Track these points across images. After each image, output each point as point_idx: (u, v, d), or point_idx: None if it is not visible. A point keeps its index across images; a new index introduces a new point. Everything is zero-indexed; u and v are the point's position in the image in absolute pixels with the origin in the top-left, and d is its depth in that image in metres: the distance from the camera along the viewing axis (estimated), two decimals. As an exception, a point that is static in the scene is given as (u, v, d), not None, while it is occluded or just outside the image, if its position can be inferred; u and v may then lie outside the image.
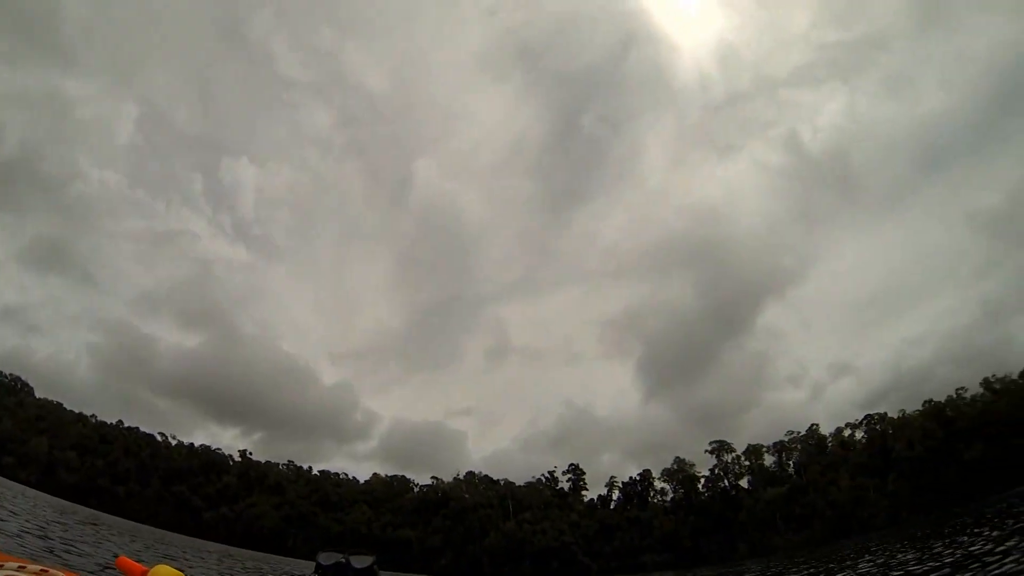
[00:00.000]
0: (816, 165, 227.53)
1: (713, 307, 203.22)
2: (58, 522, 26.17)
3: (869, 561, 28.28)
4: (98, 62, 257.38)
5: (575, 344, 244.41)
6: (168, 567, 2.71)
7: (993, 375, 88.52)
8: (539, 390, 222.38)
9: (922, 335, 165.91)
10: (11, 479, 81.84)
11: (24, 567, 2.62)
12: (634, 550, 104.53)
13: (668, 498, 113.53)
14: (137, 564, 2.76)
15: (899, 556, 24.01)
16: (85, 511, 64.00)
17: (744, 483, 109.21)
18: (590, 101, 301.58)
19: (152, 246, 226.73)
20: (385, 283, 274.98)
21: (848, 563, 30.45)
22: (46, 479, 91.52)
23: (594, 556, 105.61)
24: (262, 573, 28.28)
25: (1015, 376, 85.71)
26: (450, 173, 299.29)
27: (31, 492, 66.72)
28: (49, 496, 73.42)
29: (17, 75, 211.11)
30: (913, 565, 18.54)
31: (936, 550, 23.06)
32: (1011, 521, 27.00)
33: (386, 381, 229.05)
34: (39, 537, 16.66)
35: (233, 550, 76.27)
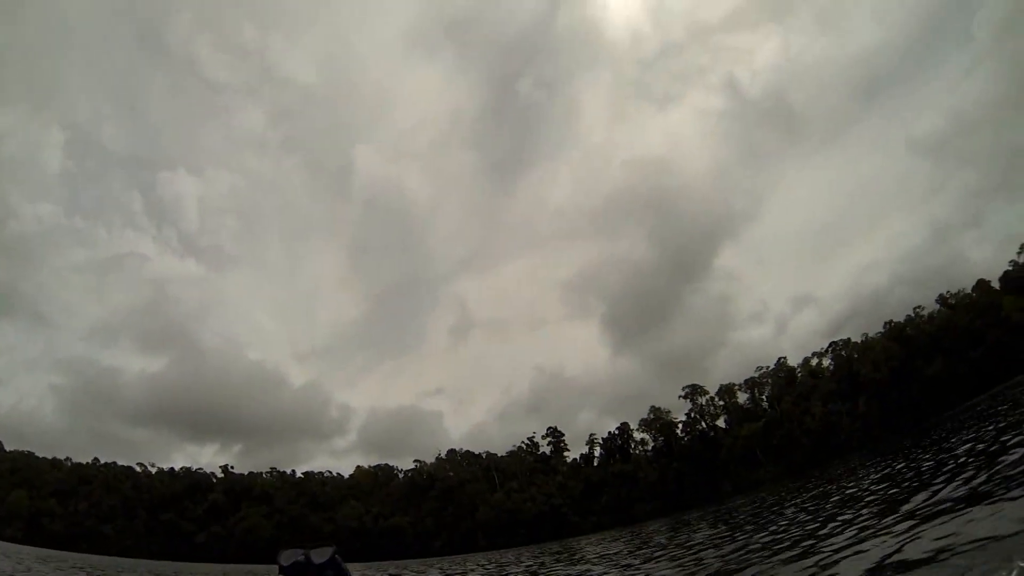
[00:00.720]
0: (756, 106, 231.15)
1: (669, 255, 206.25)
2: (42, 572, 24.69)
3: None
4: (13, 92, 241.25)
5: (538, 310, 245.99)
6: None
7: (947, 291, 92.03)
8: (508, 360, 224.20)
9: (876, 260, 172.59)
10: (-6, 538, 78.45)
11: None
12: (623, 503, 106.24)
13: (649, 448, 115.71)
14: None
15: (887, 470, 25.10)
16: (74, 557, 61.45)
17: (721, 423, 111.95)
18: (524, 67, 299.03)
19: (100, 274, 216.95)
20: (340, 275, 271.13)
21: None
22: (31, 532, 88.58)
23: (585, 514, 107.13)
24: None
25: (968, 290, 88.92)
26: (391, 156, 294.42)
27: (14, 548, 63.61)
28: (35, 549, 70.51)
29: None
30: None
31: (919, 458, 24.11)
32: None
33: (355, 373, 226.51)
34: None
35: (230, 568, 74.71)
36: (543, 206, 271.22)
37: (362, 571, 48.74)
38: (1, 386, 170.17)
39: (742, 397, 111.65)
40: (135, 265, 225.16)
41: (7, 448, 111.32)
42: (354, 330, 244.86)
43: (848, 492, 21.82)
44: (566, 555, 32.57)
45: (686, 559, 14.18)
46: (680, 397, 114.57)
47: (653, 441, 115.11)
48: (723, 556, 13.19)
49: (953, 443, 24.30)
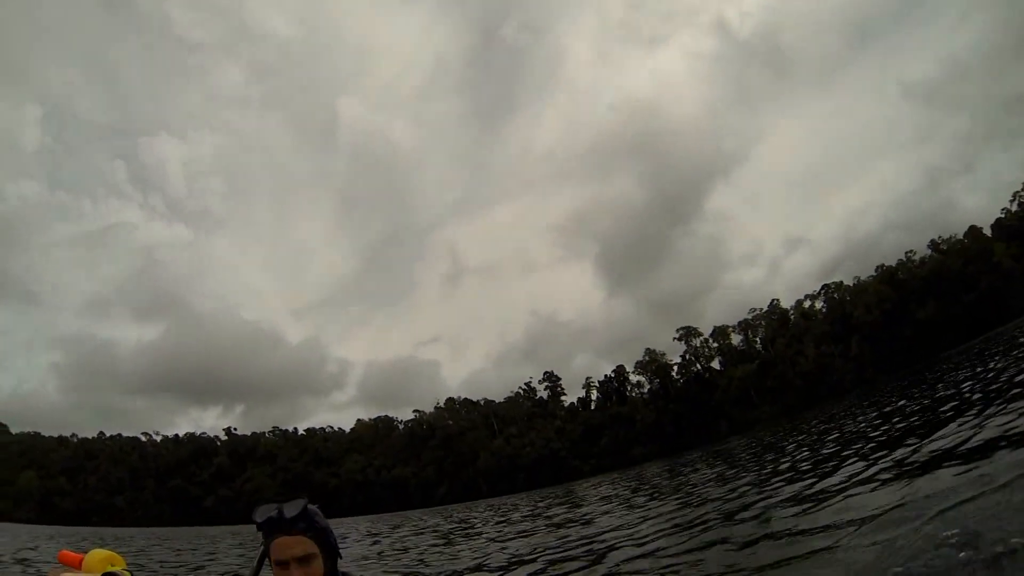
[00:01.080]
0: (747, 48, 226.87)
1: (660, 197, 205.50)
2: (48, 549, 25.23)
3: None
4: None
5: (530, 254, 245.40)
6: (102, 551, 2.70)
7: (939, 236, 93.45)
8: (502, 305, 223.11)
9: (868, 204, 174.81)
10: (9, 520, 78.46)
11: None
12: (622, 445, 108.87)
13: (645, 390, 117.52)
14: (76, 554, 2.72)
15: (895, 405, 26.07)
16: (85, 531, 61.84)
17: (716, 364, 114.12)
18: (507, 11, 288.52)
19: (88, 248, 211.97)
20: (329, 229, 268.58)
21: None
22: (44, 511, 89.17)
23: (584, 457, 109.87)
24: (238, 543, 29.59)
25: (960, 236, 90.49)
26: (375, 106, 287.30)
27: (26, 528, 63.70)
28: (48, 527, 70.85)
29: None
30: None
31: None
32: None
33: (350, 327, 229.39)
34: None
35: (238, 528, 75.98)
36: (531, 150, 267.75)
37: (368, 523, 50.07)
38: (1, 370, 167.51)
39: (736, 339, 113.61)
40: (123, 235, 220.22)
41: (13, 431, 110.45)
42: (347, 284, 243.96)
43: (835, 433, 22.82)
44: (568, 501, 33.06)
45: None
46: (675, 339, 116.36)
47: (649, 383, 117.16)
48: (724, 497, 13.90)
49: (942, 385, 25.49)
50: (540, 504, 35.33)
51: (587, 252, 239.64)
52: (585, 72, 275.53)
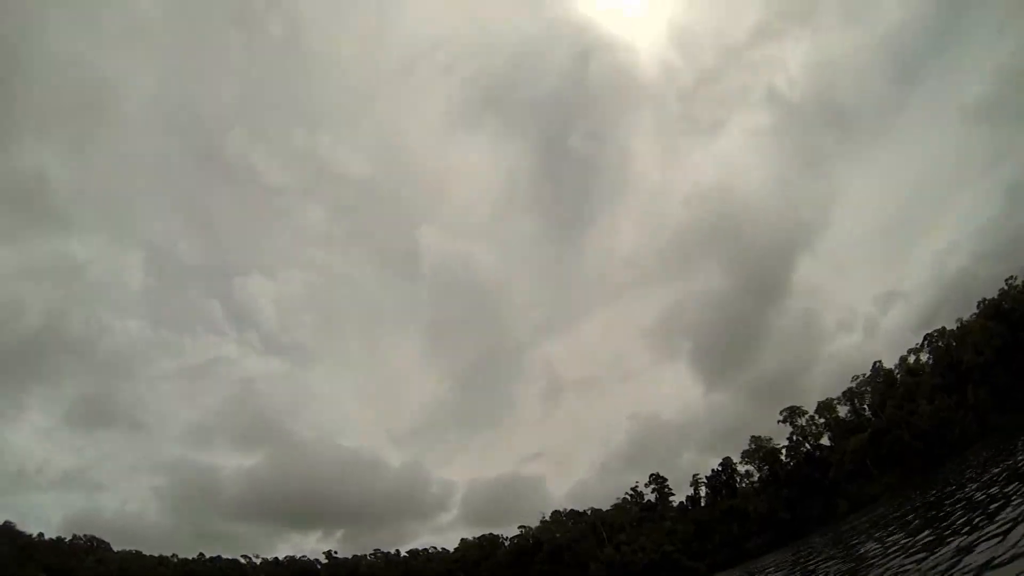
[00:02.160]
0: (803, 112, 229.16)
1: (747, 280, 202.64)
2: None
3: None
4: (93, 218, 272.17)
5: (625, 360, 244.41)
6: None
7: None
8: (602, 414, 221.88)
9: (955, 240, 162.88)
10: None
11: None
12: (736, 540, 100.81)
13: (755, 479, 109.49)
14: None
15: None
16: None
17: (825, 440, 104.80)
18: (568, 123, 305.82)
19: (189, 380, 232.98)
20: (421, 355, 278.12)
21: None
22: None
23: (698, 557, 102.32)
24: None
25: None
26: (453, 232, 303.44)
27: None
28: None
29: (22, 250, 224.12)
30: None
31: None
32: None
33: (451, 448, 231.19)
34: None
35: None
36: (612, 256, 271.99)
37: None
38: (106, 491, 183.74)
39: (843, 410, 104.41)
40: (222, 369, 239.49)
41: (115, 549, 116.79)
42: (444, 407, 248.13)
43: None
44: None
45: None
46: (779, 422, 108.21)
47: (758, 471, 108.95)
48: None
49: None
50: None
51: (680, 349, 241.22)
52: (653, 170, 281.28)
